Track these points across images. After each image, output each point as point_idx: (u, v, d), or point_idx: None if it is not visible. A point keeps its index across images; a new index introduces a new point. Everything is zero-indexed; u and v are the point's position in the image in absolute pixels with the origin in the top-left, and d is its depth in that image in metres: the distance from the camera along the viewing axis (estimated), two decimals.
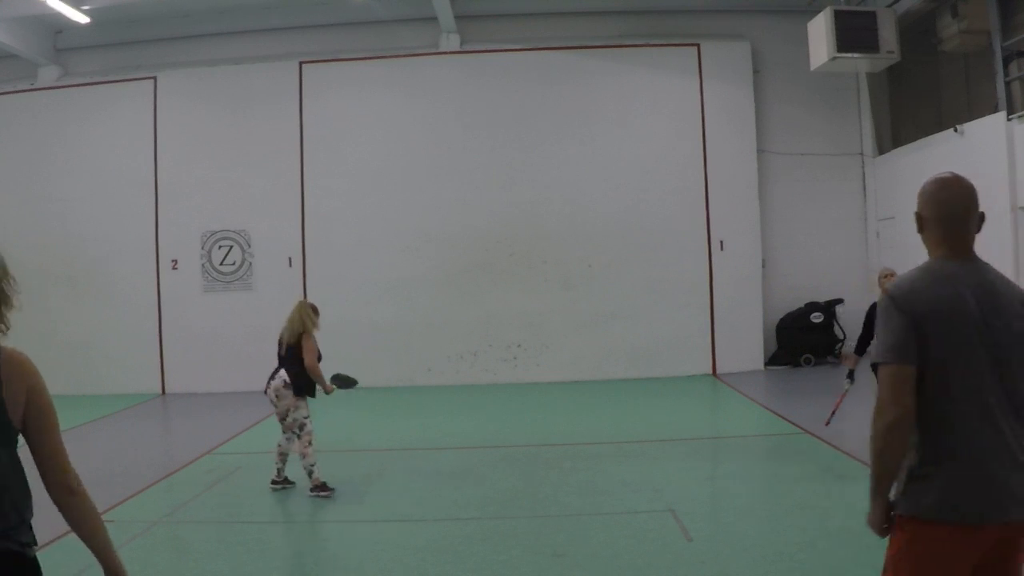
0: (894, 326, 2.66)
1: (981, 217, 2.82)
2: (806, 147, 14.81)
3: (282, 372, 7.47)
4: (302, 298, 8.33)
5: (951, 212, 2.77)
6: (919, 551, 2.63)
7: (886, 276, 7.64)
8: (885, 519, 2.73)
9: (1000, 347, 2.64)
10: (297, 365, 7.42)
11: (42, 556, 6.26)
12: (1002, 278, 2.79)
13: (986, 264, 2.80)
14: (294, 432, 7.48)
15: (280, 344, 7.62)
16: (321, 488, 7.40)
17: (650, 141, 14.29)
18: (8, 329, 2.55)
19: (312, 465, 7.39)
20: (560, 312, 14.22)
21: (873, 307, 7.13)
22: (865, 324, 7.92)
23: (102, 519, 2.54)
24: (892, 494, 2.72)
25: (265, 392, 7.59)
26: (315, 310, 7.72)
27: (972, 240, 2.80)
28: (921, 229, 2.83)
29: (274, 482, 7.71)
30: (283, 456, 7.71)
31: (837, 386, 13.30)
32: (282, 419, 7.53)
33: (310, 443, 7.41)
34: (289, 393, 7.41)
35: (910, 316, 2.64)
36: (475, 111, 14.35)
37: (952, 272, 2.73)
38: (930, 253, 2.84)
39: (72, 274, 14.52)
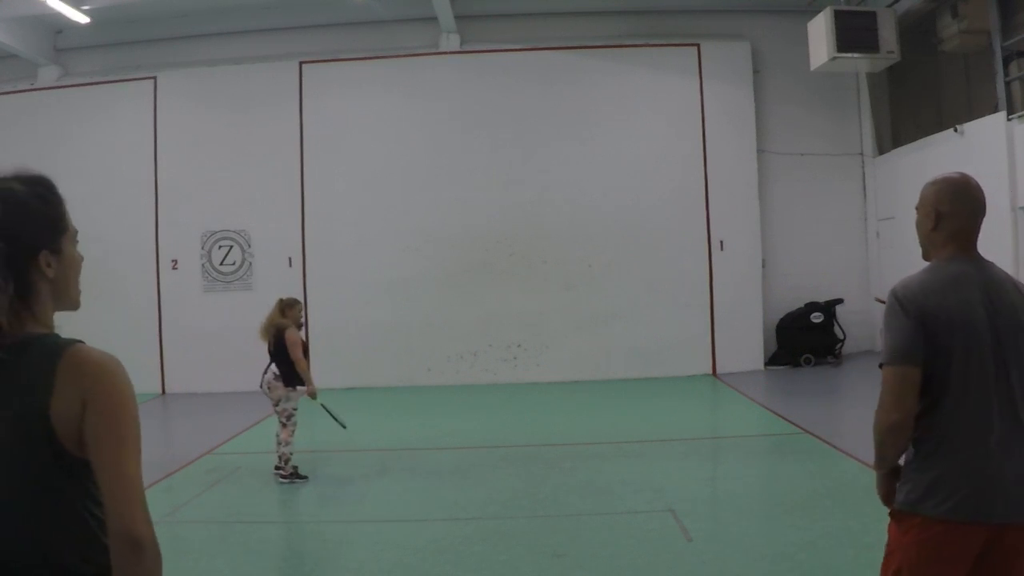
0: (900, 328, 2.67)
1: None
2: (806, 147, 14.81)
3: (273, 366, 7.97)
4: (281, 296, 8.57)
5: (972, 209, 2.78)
6: (908, 543, 2.66)
7: None
8: (889, 494, 2.78)
9: (1005, 348, 2.64)
10: (283, 358, 7.91)
11: None
12: (1006, 275, 2.80)
13: (990, 262, 2.80)
14: (282, 421, 7.95)
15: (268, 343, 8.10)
16: (294, 475, 7.86)
17: (650, 141, 14.28)
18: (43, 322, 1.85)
19: (289, 452, 7.90)
20: (560, 312, 14.21)
21: None
22: None
23: None
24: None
25: (260, 386, 8.08)
26: (291, 303, 8.20)
27: (977, 239, 2.82)
28: (936, 226, 2.78)
29: (277, 468, 8.03)
30: (283, 443, 8.09)
31: (837, 386, 13.39)
32: (274, 405, 8.02)
33: (292, 433, 7.95)
34: (279, 384, 7.88)
35: (916, 318, 2.64)
36: (475, 111, 14.35)
37: (960, 272, 2.72)
38: (934, 251, 2.83)
39: None
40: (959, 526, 2.57)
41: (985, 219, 2.83)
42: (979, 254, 2.79)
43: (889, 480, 2.78)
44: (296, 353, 7.80)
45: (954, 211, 2.76)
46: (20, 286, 1.76)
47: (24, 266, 1.77)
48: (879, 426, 2.66)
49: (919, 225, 2.86)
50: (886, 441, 2.67)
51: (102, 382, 1.73)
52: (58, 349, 1.75)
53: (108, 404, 1.72)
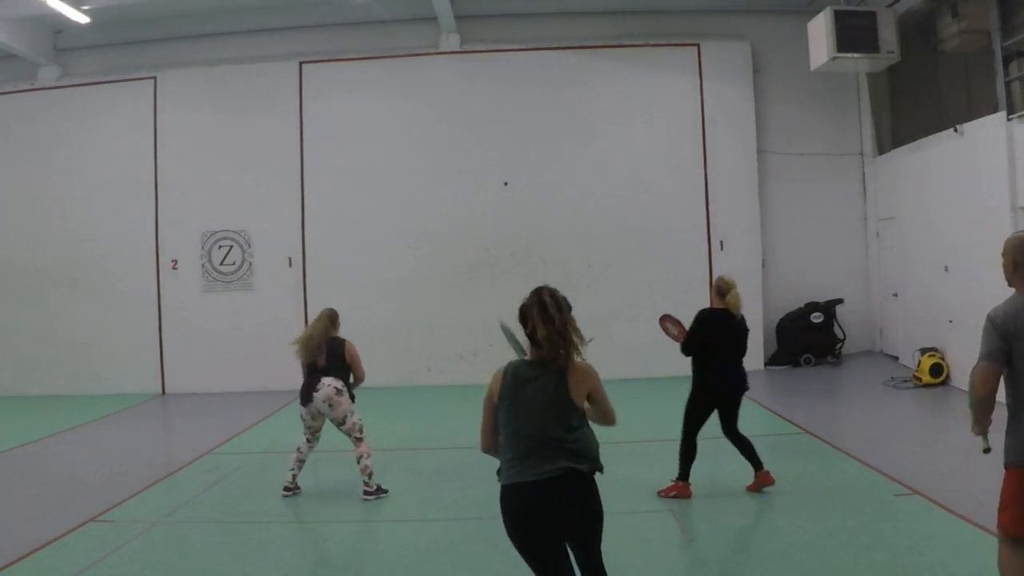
0: (989, 339, 4.03)
1: None
2: (806, 147, 14.81)
3: (328, 380, 7.35)
4: (326, 309, 7.75)
5: None
6: (1015, 484, 4.02)
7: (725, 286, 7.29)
8: (981, 433, 4.07)
9: None
10: (345, 372, 7.43)
11: (39, 557, 6.24)
12: None
13: None
14: (355, 436, 7.40)
15: (311, 360, 7.43)
16: (379, 490, 7.40)
17: (650, 141, 14.29)
18: (582, 352, 3.96)
19: (371, 468, 7.41)
20: None
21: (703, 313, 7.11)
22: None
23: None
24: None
25: (306, 405, 7.40)
26: (336, 315, 7.67)
27: None
28: (1015, 270, 4.10)
29: (287, 489, 7.58)
30: (302, 463, 7.62)
31: (837, 386, 13.37)
32: (339, 424, 7.41)
33: (368, 444, 7.46)
34: (343, 399, 7.36)
35: (1001, 334, 3.99)
36: (475, 111, 14.35)
37: None
38: (1016, 284, 4.11)
39: (72, 274, 14.52)
40: None
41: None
42: None
43: (980, 428, 4.07)
44: (363, 367, 7.54)
45: None
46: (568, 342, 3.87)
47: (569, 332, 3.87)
48: (973, 395, 4.03)
49: (1005, 268, 4.17)
50: (978, 404, 4.00)
51: (596, 379, 3.95)
52: (567, 365, 3.86)
53: (600, 387, 3.96)
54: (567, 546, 3.77)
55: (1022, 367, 3.97)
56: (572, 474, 3.70)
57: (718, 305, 7.11)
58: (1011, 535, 4.05)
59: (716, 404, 7.09)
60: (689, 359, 7.26)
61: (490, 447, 4.00)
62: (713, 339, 6.99)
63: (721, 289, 7.12)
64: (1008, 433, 4.03)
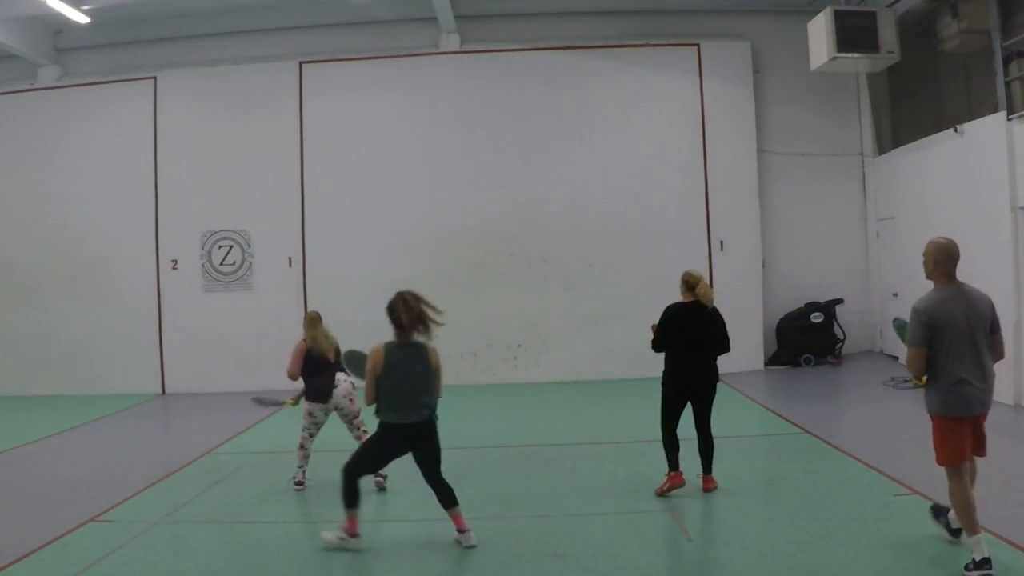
0: (916, 327, 5.10)
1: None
2: (806, 147, 14.82)
3: (342, 376, 7.79)
4: (312, 312, 8.27)
5: (953, 258, 5.16)
6: (936, 427, 5.12)
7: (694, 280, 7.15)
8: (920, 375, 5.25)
9: (974, 331, 5.08)
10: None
11: (39, 557, 6.24)
12: (974, 291, 5.21)
13: (964, 284, 5.19)
14: (362, 431, 7.74)
15: (323, 356, 7.83)
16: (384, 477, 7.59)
17: (650, 141, 14.29)
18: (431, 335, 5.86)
19: None
20: (560, 312, 14.21)
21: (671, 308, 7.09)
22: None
23: None
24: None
25: (325, 402, 7.71)
26: (316, 318, 8.08)
27: (955, 272, 5.16)
28: (935, 269, 5.16)
29: (299, 483, 7.80)
30: (307, 458, 7.85)
31: (837, 386, 13.37)
32: (352, 418, 7.78)
33: None
34: (356, 394, 7.69)
35: (925, 323, 5.05)
36: (475, 111, 14.35)
37: (950, 295, 5.13)
38: (935, 280, 5.17)
39: (72, 274, 14.52)
40: (956, 419, 5.06)
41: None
42: (958, 280, 5.17)
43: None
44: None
45: (944, 260, 5.16)
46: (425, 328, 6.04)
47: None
48: (910, 371, 5.24)
49: (925, 266, 5.21)
50: (916, 374, 5.23)
51: (438, 357, 6.09)
52: (425, 345, 6.03)
53: (439, 363, 6.08)
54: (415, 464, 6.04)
55: (940, 345, 5.02)
56: (430, 418, 5.96)
57: (687, 299, 7.06)
58: (950, 466, 5.07)
59: (687, 397, 7.10)
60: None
61: (372, 402, 5.93)
62: (682, 333, 6.97)
63: (690, 283, 7.06)
64: (927, 392, 5.16)
